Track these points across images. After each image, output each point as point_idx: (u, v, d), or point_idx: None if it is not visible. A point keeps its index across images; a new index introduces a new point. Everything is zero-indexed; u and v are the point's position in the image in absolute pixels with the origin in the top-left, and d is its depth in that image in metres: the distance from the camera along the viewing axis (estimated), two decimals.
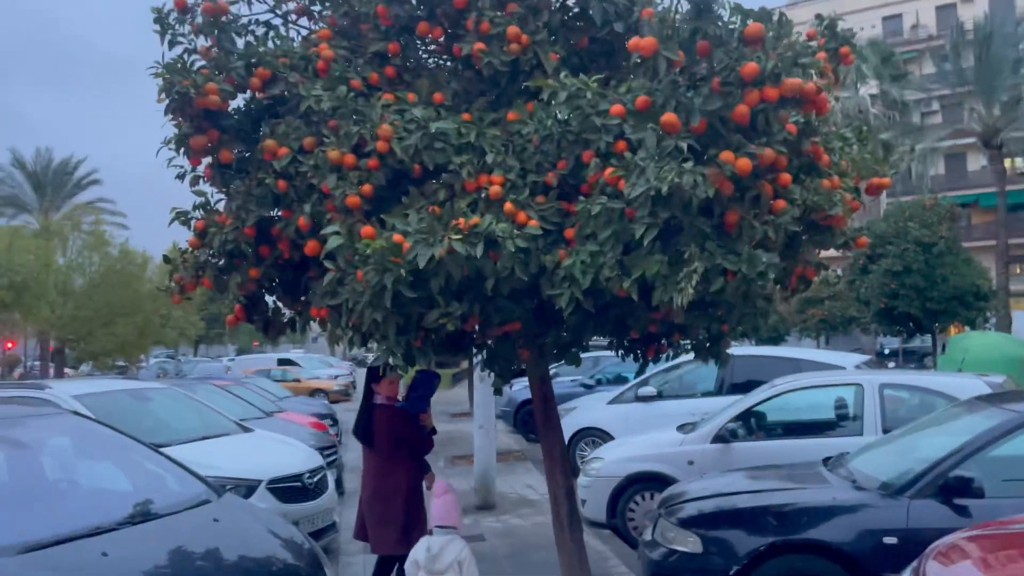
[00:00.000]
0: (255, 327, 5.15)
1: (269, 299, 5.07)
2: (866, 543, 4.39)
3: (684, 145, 3.33)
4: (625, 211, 3.55)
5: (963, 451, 4.43)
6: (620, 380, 13.89)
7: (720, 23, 3.49)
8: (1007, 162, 28.78)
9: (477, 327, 4.46)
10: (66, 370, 33.51)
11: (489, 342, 5.06)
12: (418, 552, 4.26)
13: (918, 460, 4.66)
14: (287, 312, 5.08)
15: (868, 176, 4.25)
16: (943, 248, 18.62)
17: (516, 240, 3.64)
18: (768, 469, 5.87)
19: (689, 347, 4.93)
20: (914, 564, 3.49)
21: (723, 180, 3.35)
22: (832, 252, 4.49)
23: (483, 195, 3.86)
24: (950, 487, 4.32)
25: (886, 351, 31.77)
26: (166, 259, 4.78)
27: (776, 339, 30.11)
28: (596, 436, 10.82)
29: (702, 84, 3.42)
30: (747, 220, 3.51)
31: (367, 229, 3.80)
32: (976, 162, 38.96)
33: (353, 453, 13.59)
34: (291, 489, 6.55)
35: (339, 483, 9.71)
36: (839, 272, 28.27)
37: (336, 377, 28.62)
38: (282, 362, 29.16)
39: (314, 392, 24.22)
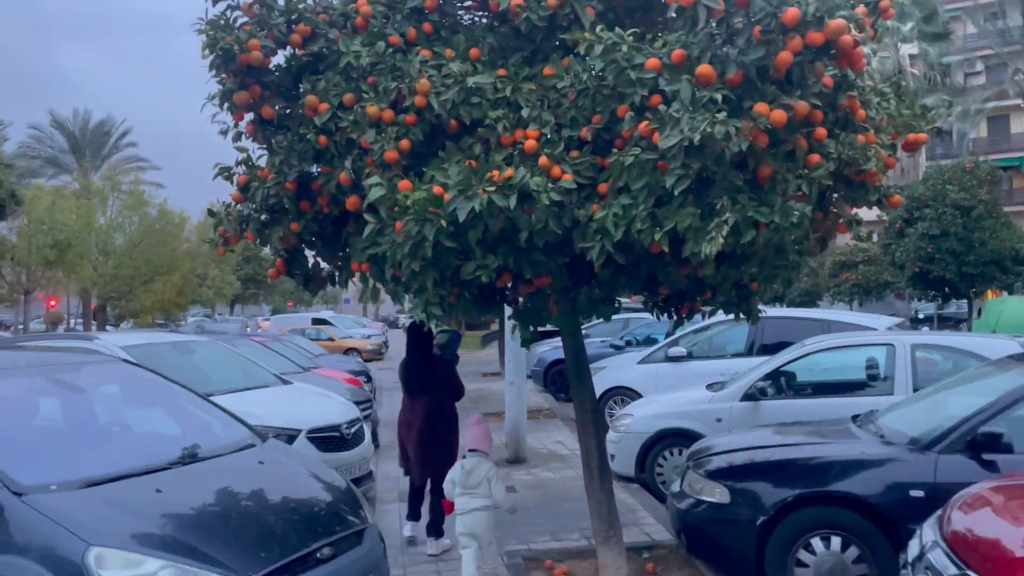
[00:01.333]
0: (296, 281, 5.30)
1: (309, 254, 5.21)
2: (893, 496, 4.47)
3: (719, 96, 3.36)
4: (658, 164, 3.60)
5: (993, 407, 4.46)
6: (650, 341, 13.96)
7: None
8: None
9: (509, 284, 4.56)
10: (107, 328, 34.39)
11: (521, 299, 5.16)
12: (454, 472, 5.04)
13: (947, 417, 4.70)
14: (327, 267, 5.22)
15: (905, 132, 4.24)
16: (982, 212, 18.20)
17: (550, 193, 3.71)
18: (796, 425, 5.94)
19: (719, 304, 4.99)
20: (938, 513, 3.56)
21: (758, 133, 3.38)
22: (870, 215, 4.48)
23: (518, 149, 3.92)
24: (979, 442, 4.36)
25: (920, 316, 31.36)
26: (211, 212, 4.92)
27: (808, 303, 29.88)
28: (626, 395, 10.95)
29: (738, 36, 3.43)
30: (780, 173, 3.54)
31: (405, 183, 3.89)
32: (1020, 124, 37.91)
33: (387, 409, 13.89)
34: (329, 439, 6.77)
35: (374, 436, 9.97)
36: (874, 236, 27.88)
37: (369, 337, 29.05)
38: (316, 321, 29.62)
39: (348, 351, 24.64)
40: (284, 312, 50.05)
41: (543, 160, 3.82)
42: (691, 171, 3.45)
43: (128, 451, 4.35)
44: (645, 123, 3.56)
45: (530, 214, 3.80)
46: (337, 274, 5.11)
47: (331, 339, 25.92)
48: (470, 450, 5.05)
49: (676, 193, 3.49)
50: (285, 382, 8.01)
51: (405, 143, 4.04)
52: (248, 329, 29.50)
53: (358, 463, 7.02)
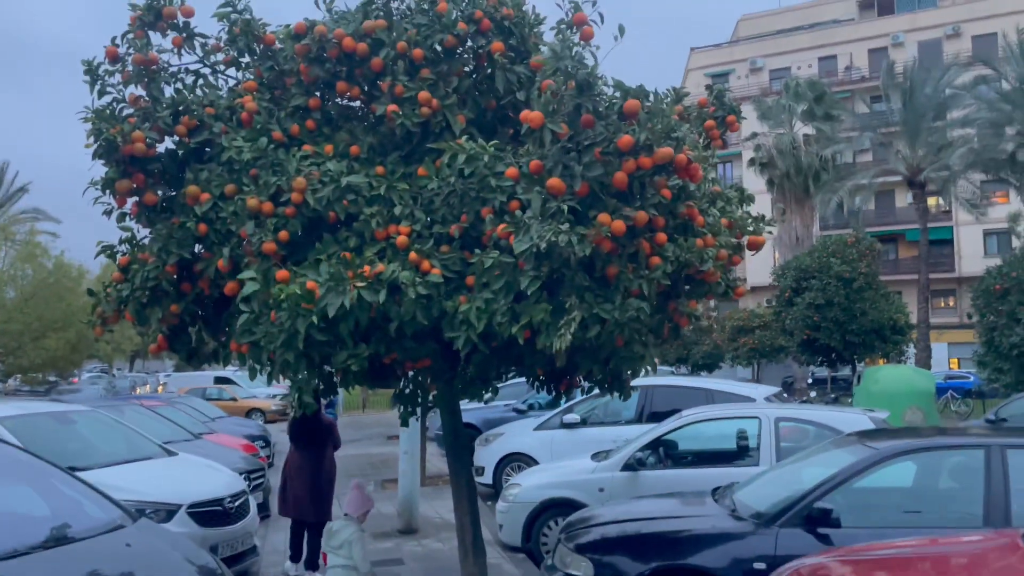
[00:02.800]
0: (179, 356, 5.37)
1: (192, 330, 5.30)
2: (739, 569, 4.79)
3: (565, 207, 3.72)
4: (518, 263, 3.93)
5: (827, 484, 4.87)
6: (552, 405, 14.28)
7: (604, 97, 3.91)
8: (930, 200, 30.27)
9: (396, 358, 4.78)
10: None
11: (410, 373, 5.37)
12: (325, 531, 5.66)
13: (791, 491, 5.10)
14: (211, 342, 5.31)
15: (747, 234, 4.71)
16: (863, 283, 19.55)
17: (418, 287, 3.98)
18: (666, 498, 6.27)
19: (594, 383, 5.32)
20: None
21: (602, 239, 3.75)
22: (763, 280, 4.88)
23: (391, 244, 4.19)
24: (814, 517, 4.75)
25: (811, 380, 32.88)
26: (90, 292, 4.98)
27: (711, 366, 30.97)
28: (522, 461, 11.18)
29: (584, 154, 3.82)
30: (624, 274, 3.91)
31: (282, 273, 4.09)
32: (903, 199, 40.77)
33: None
34: (211, 513, 6.72)
35: (264, 506, 9.83)
36: (771, 302, 29.28)
37: (274, 396, 28.41)
38: (219, 380, 28.84)
39: (250, 412, 24.07)
40: (186, 370, 48.36)
41: (413, 255, 4.09)
42: (542, 272, 3.78)
43: None
44: (503, 226, 3.89)
45: (400, 306, 4.05)
46: (220, 351, 5.22)
47: (234, 399, 25.29)
48: (345, 513, 5.53)
49: (529, 292, 3.81)
50: (170, 453, 7.89)
51: (284, 234, 4.25)
52: (137, 389, 28.36)
53: (241, 537, 6.96)
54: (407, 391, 5.48)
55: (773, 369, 33.04)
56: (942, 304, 41.21)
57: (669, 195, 4.02)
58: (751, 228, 4.63)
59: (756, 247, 4.77)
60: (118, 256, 4.93)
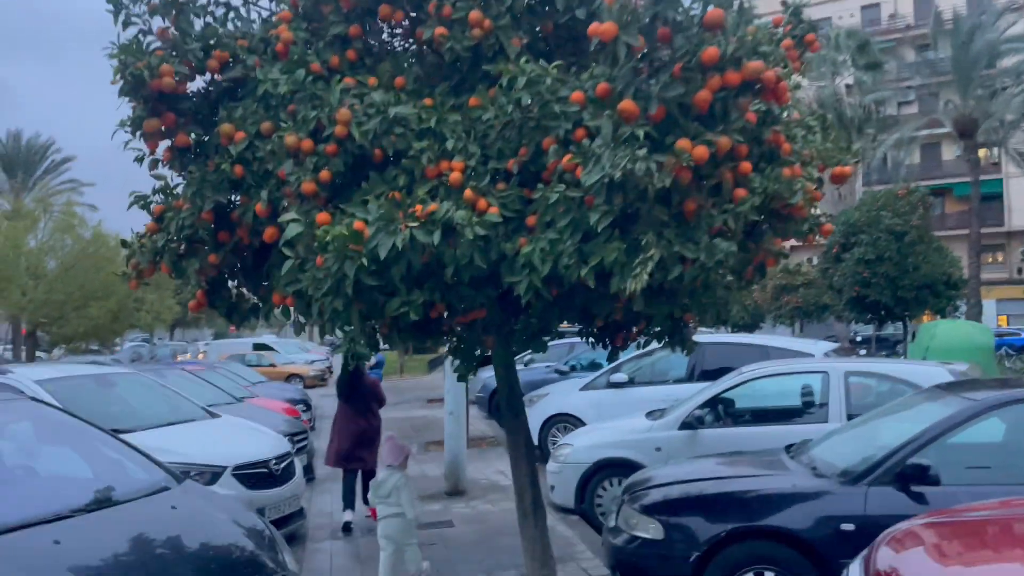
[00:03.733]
0: (219, 312, 5.09)
1: (232, 284, 5.02)
2: (824, 530, 4.44)
3: (640, 133, 3.31)
4: (584, 199, 3.54)
5: (920, 439, 4.47)
6: (594, 366, 13.93)
7: (681, 9, 3.47)
8: (981, 152, 29.08)
9: (445, 314, 4.45)
10: (38, 354, 33.10)
11: (457, 329, 5.06)
12: (372, 483, 5.66)
13: (877, 448, 4.71)
14: (251, 298, 5.03)
15: (832, 164, 4.26)
16: (915, 237, 18.77)
17: (475, 227, 3.62)
18: (732, 456, 5.91)
19: (653, 335, 4.96)
20: (865, 552, 3.52)
21: (681, 168, 3.34)
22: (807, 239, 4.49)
23: (443, 182, 3.83)
24: (907, 475, 4.36)
25: (859, 338, 32.10)
26: (124, 243, 4.70)
27: (751, 326, 30.35)
28: (568, 422, 10.86)
29: (663, 71, 3.40)
30: (706, 209, 3.51)
31: (322, 216, 3.76)
32: (950, 151, 39.36)
33: (326, 437, 13.58)
34: (257, 475, 6.52)
35: (309, 469, 9.68)
36: (813, 260, 28.50)
37: (312, 362, 28.49)
38: (258, 347, 28.94)
39: (290, 377, 24.12)
40: (226, 336, 48.93)
41: (468, 193, 3.73)
42: (614, 207, 3.39)
43: (33, 497, 4.07)
44: (568, 157, 3.50)
45: (455, 248, 3.70)
46: (261, 306, 4.93)
47: (272, 365, 25.35)
48: (388, 465, 5.54)
49: (600, 229, 3.42)
50: (213, 415, 7.71)
51: (325, 174, 3.91)
52: (178, 357, 28.68)
53: (288, 500, 6.77)
54: (462, 345, 5.15)
55: (815, 329, 32.31)
56: (990, 259, 39.93)
57: (754, 119, 3.59)
58: (836, 159, 4.17)
59: (842, 179, 4.32)
60: (152, 206, 4.63)
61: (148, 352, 38.39)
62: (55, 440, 4.74)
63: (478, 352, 5.22)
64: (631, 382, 10.57)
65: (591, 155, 3.41)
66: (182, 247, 4.54)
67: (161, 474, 4.43)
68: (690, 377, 10.46)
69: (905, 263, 18.64)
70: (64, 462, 4.68)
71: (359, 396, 7.67)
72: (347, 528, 7.34)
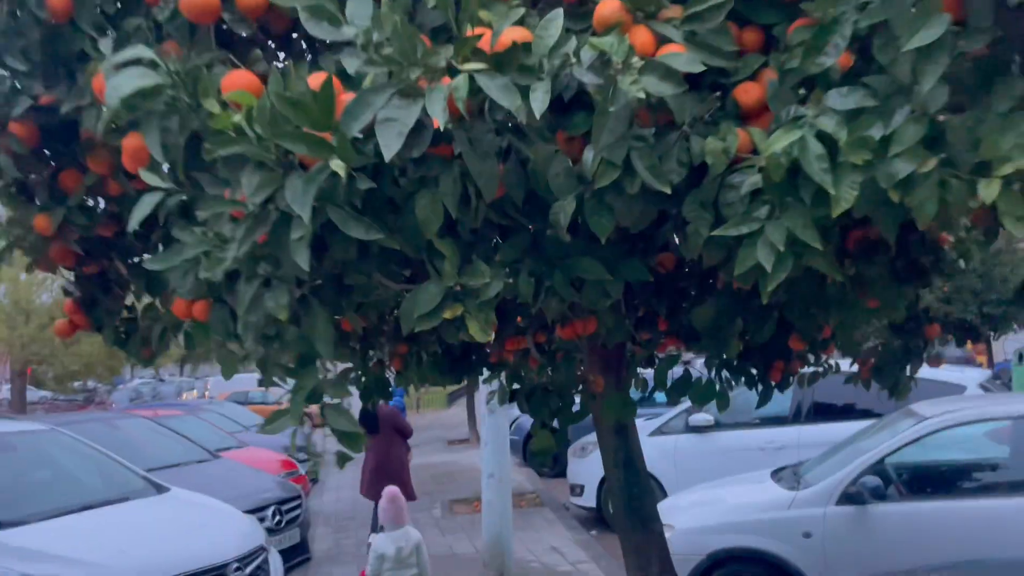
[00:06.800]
0: (107, 339, 2.87)
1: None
2: None
3: None
4: None
5: None
6: (651, 400, 11.56)
7: None
8: None
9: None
10: (42, 394, 31.03)
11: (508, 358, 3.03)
12: (385, 548, 4.51)
13: None
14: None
15: None
16: (1002, 246, 16.38)
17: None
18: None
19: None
20: None
21: None
22: None
23: None
24: None
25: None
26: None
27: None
28: None
29: None
30: None
31: (237, 75, 1.50)
32: None
33: (331, 494, 11.31)
34: None
35: (303, 547, 7.36)
36: None
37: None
38: (263, 382, 26.66)
39: None
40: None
41: None
42: None
43: None
44: None
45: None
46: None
47: (279, 403, 23.07)
48: (390, 527, 4.60)
49: None
50: (159, 489, 5.41)
51: None
52: (184, 395, 26.61)
53: None
54: (528, 388, 2.91)
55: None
56: None
57: None
58: None
59: None
60: None
61: (151, 391, 36.27)
62: None
63: (563, 404, 2.96)
64: (716, 425, 8.23)
65: None
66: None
67: None
68: (796, 417, 8.13)
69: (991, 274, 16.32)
70: None
71: (378, 426, 7.41)
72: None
